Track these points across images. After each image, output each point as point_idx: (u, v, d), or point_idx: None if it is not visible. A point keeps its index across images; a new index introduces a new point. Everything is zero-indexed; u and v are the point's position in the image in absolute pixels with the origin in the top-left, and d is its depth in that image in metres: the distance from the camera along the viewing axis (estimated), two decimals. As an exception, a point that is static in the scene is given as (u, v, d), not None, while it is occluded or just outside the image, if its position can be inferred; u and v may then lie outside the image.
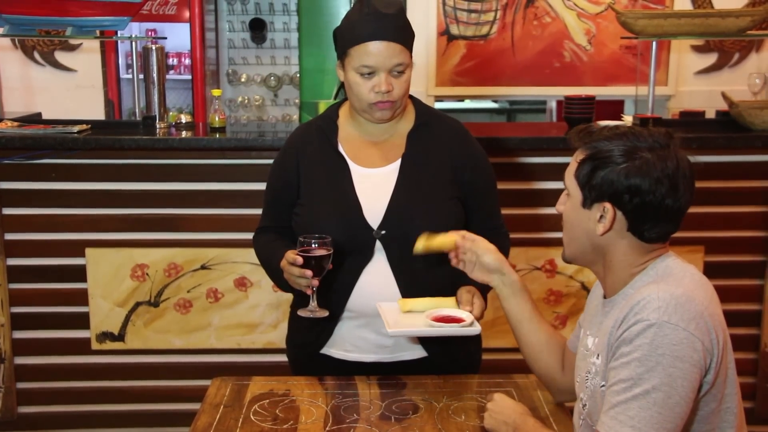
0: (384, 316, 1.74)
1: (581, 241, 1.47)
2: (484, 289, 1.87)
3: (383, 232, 1.89)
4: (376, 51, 1.82)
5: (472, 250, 1.74)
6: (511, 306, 1.71)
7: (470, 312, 1.78)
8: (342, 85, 2.01)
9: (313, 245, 1.76)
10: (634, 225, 1.41)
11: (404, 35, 1.87)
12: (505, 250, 1.99)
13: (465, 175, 1.98)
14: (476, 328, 1.74)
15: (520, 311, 1.71)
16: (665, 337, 1.31)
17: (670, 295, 1.34)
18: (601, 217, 1.42)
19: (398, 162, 1.94)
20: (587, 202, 1.43)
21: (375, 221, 1.89)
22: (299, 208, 1.96)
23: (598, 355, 1.46)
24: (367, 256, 1.90)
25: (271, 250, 1.95)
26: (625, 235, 1.43)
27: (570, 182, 1.46)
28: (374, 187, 1.92)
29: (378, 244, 1.90)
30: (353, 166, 1.93)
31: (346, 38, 1.86)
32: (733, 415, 1.45)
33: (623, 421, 1.32)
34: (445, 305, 1.80)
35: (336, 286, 1.90)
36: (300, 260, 1.75)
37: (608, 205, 1.40)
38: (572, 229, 1.48)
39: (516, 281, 1.71)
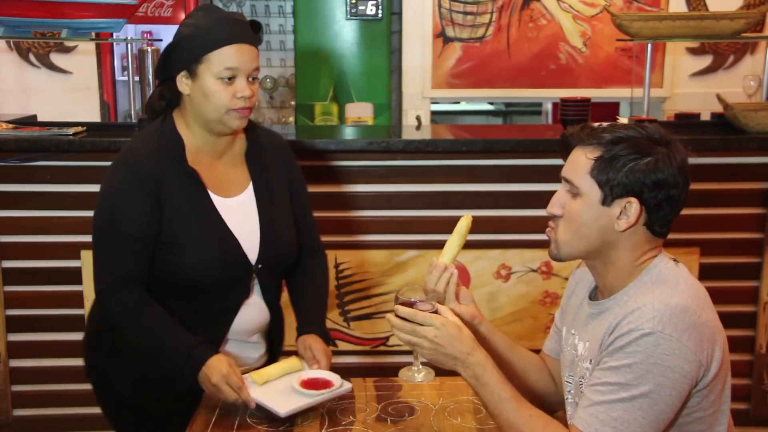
0: (266, 405, 1.68)
1: (592, 239, 1.45)
2: (322, 332, 1.93)
3: (260, 266, 1.88)
4: (240, 53, 1.76)
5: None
6: (494, 343, 1.68)
7: (318, 368, 1.82)
8: (164, 105, 1.87)
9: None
10: (652, 219, 1.42)
11: (257, 42, 1.84)
12: (326, 271, 2.07)
13: (294, 190, 1.99)
14: (347, 386, 1.78)
15: (503, 344, 1.69)
16: (658, 346, 1.31)
17: (665, 305, 1.34)
18: (621, 213, 1.41)
19: (250, 188, 1.90)
20: (608, 200, 1.41)
21: (252, 255, 1.87)
22: (171, 248, 1.78)
23: (590, 360, 1.46)
24: (246, 291, 1.89)
25: (168, 328, 1.76)
26: (638, 230, 1.43)
27: (582, 180, 1.43)
28: (240, 219, 1.86)
29: (254, 278, 1.90)
30: (213, 196, 1.84)
31: (202, 44, 1.75)
32: (725, 416, 1.45)
33: (605, 421, 1.32)
34: (295, 366, 1.83)
35: (210, 325, 1.85)
36: (252, 405, 1.68)
37: (634, 201, 1.40)
38: (582, 228, 1.45)
39: (488, 323, 1.69)
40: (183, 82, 1.80)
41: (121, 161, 1.81)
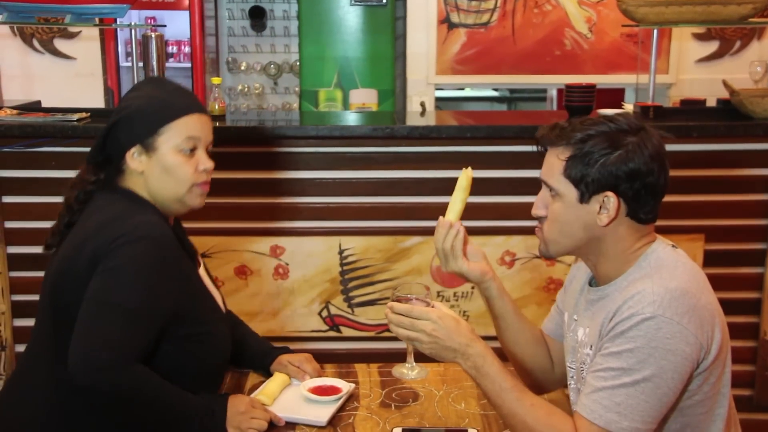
0: (303, 419, 1.66)
1: (577, 236, 1.46)
2: (282, 349, 1.92)
3: None
4: (200, 122, 1.68)
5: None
6: (500, 305, 1.67)
7: (309, 378, 1.81)
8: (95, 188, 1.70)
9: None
10: (633, 209, 1.42)
11: None
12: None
13: None
14: (353, 385, 1.79)
15: (507, 310, 1.68)
16: (659, 330, 1.32)
17: (665, 289, 1.35)
18: (601, 208, 1.42)
19: (199, 256, 1.82)
20: (585, 197, 1.42)
21: None
22: (203, 327, 1.67)
23: (591, 346, 1.46)
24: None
25: (184, 395, 1.60)
26: (623, 221, 1.44)
27: (558, 182, 1.44)
28: (211, 289, 1.79)
29: None
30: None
31: (160, 114, 1.64)
32: (726, 398, 1.46)
33: (608, 406, 1.33)
34: (285, 380, 1.82)
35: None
36: (282, 423, 1.65)
37: (611, 195, 1.40)
38: (566, 226, 1.46)
39: (499, 282, 1.68)
40: (135, 159, 1.65)
41: (141, 235, 1.56)
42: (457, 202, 1.65)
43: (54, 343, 1.62)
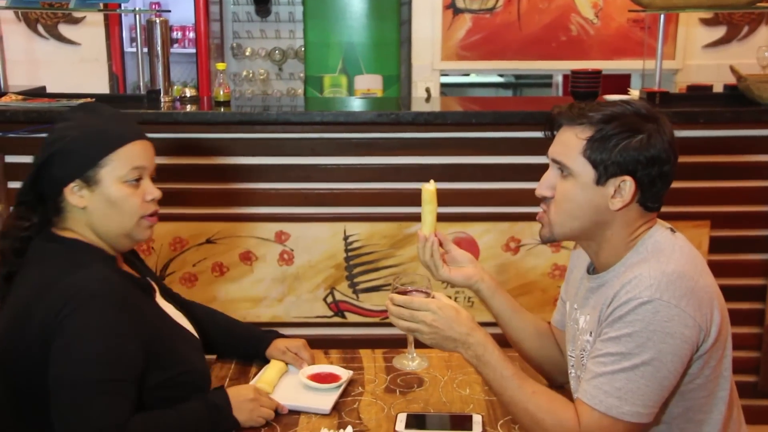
0: (306, 407, 1.66)
1: (585, 219, 1.45)
2: (274, 333, 1.90)
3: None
4: (144, 150, 1.57)
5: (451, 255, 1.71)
6: (495, 304, 1.69)
7: (306, 365, 1.80)
8: (30, 234, 1.55)
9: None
10: (645, 196, 1.42)
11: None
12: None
13: None
14: (350, 372, 1.77)
15: (503, 308, 1.69)
16: (657, 313, 1.31)
17: (662, 272, 1.34)
18: (616, 192, 1.41)
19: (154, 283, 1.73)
20: (602, 179, 1.40)
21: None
22: (179, 367, 1.57)
23: (591, 333, 1.46)
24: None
25: (184, 413, 1.53)
26: (632, 207, 1.43)
27: (574, 161, 1.42)
28: (175, 315, 1.71)
29: None
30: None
31: (100, 147, 1.52)
32: (727, 381, 1.46)
33: (608, 392, 1.33)
34: (282, 368, 1.80)
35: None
36: (286, 410, 1.63)
37: (628, 179, 1.39)
38: (576, 208, 1.44)
39: (492, 281, 1.69)
40: (76, 194, 1.53)
41: (87, 296, 1.44)
42: (425, 215, 1.66)
43: (8, 414, 1.53)
